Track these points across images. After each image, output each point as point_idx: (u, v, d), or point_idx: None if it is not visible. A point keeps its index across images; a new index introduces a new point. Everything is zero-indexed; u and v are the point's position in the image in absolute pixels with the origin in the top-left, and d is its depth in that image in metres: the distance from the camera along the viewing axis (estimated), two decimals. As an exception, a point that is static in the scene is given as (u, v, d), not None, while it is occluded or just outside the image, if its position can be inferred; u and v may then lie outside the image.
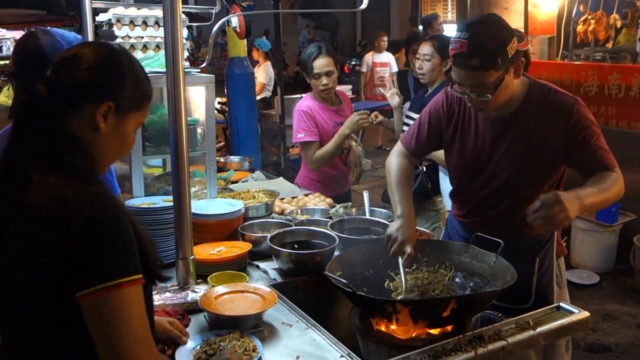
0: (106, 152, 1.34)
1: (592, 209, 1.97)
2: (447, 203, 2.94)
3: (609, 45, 6.11)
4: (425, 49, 3.35)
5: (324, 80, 3.27)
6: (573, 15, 5.96)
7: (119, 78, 1.32)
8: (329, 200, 3.12)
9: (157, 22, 2.82)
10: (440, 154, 2.52)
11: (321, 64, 3.26)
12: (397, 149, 2.37)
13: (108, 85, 1.30)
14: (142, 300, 1.19)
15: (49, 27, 2.07)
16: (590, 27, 5.69)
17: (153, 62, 2.64)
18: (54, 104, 1.26)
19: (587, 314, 1.88)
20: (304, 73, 3.39)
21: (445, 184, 2.98)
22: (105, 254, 1.15)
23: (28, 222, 1.19)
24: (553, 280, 2.22)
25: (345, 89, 8.17)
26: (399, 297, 1.97)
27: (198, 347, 1.67)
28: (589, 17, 5.74)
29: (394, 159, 2.33)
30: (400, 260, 2.03)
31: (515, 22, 5.21)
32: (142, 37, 2.77)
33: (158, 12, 2.80)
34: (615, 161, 2.06)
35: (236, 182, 3.60)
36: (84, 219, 1.14)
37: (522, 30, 5.15)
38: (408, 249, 2.02)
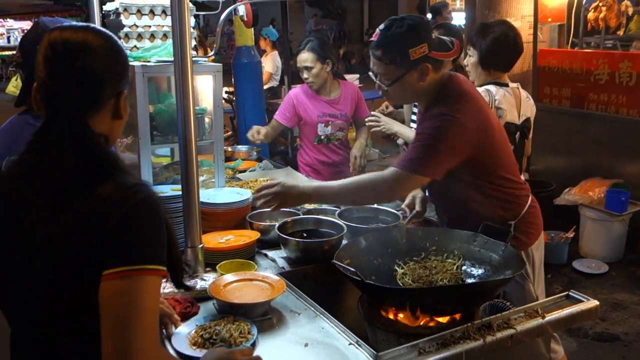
0: (117, 135, 1.36)
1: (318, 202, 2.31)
2: None
3: (620, 32, 6.04)
4: None
5: (304, 74, 3.47)
6: (584, 2, 5.90)
7: (126, 63, 1.32)
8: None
9: (164, 11, 2.82)
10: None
11: (302, 58, 3.44)
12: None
13: (123, 73, 1.30)
14: (158, 293, 1.20)
15: (55, 17, 2.08)
16: (601, 15, 5.63)
17: (161, 51, 2.63)
18: (78, 102, 1.21)
19: (596, 302, 1.87)
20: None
21: None
22: (136, 240, 1.17)
23: (71, 218, 1.18)
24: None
25: (353, 78, 8.14)
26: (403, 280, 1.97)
27: (193, 331, 1.69)
28: (600, 4, 5.68)
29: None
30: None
31: (525, 9, 5.14)
32: (150, 26, 2.76)
33: (165, 0, 2.79)
34: (418, 167, 2.03)
35: (244, 171, 3.60)
36: (128, 205, 1.17)
37: (532, 19, 5.10)
38: (417, 206, 2.45)
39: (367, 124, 3.18)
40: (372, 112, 3.24)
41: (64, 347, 1.27)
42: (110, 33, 1.34)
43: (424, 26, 2.09)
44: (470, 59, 2.90)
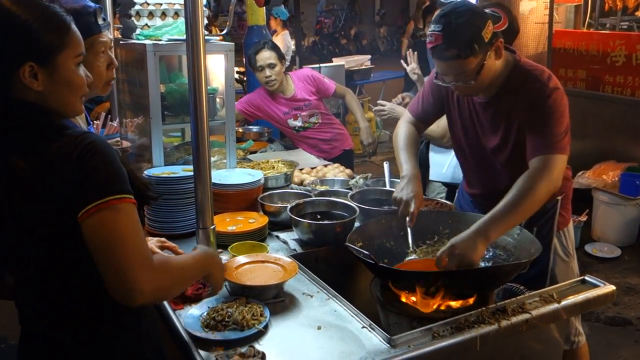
0: (60, 102, 1.34)
1: (503, 233, 1.94)
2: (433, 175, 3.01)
3: (638, 13, 5.91)
4: None
5: (267, 72, 3.57)
6: (601, -18, 5.78)
7: (25, 35, 1.27)
8: (348, 171, 3.10)
9: (175, -11, 2.77)
10: (432, 130, 2.83)
11: (265, 56, 3.57)
12: (404, 116, 2.47)
13: (13, 49, 1.27)
14: (135, 218, 1.27)
15: None
16: (619, -6, 5.51)
17: (172, 30, 2.60)
18: None
19: (612, 287, 1.84)
20: (250, 68, 3.72)
21: (435, 158, 3.00)
22: (96, 176, 1.24)
23: (35, 175, 1.26)
24: (551, 250, 2.28)
25: (365, 59, 8.07)
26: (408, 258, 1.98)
27: (205, 313, 1.68)
28: (618, -16, 5.56)
29: (401, 126, 2.43)
30: (407, 220, 2.05)
31: (540, -11, 5.04)
32: (161, 4, 2.73)
33: (176, -22, 2.75)
34: (557, 147, 1.96)
35: (255, 152, 3.59)
36: (79, 151, 1.24)
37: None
38: (411, 208, 2.05)
39: (374, 114, 3.30)
40: (378, 102, 3.29)
41: (63, 294, 1.35)
42: (34, 2, 1.31)
43: (473, 4, 2.02)
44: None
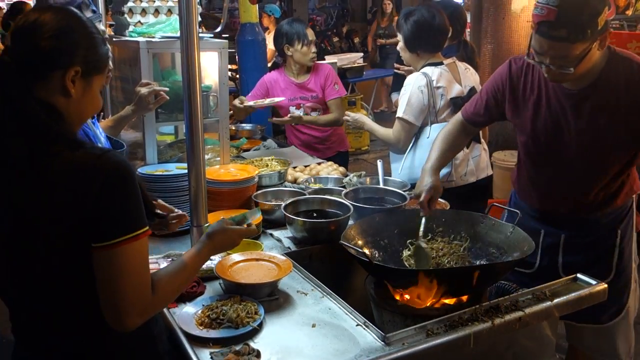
0: (79, 115, 1.38)
1: None
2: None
3: (629, 12, 5.96)
4: None
5: (313, 47, 3.56)
6: (592, -19, 5.81)
7: (82, 43, 1.34)
8: (342, 169, 3.11)
9: (168, -14, 2.77)
10: (386, 137, 2.92)
11: (311, 33, 3.56)
12: (456, 117, 2.35)
13: (73, 51, 1.32)
14: (145, 254, 1.30)
15: None
16: (610, -6, 5.55)
17: (165, 27, 2.60)
18: (24, 75, 1.27)
19: (604, 285, 1.86)
20: (290, 43, 3.51)
21: (393, 166, 3.04)
22: (121, 210, 1.26)
23: (47, 191, 1.24)
24: (633, 252, 2.19)
25: (357, 57, 8.07)
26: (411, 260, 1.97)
27: (199, 311, 1.69)
28: (609, -17, 5.59)
29: (449, 123, 2.35)
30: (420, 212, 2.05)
31: (533, -12, 5.07)
32: (154, 1, 2.72)
33: (170, -25, 2.74)
34: None
35: (248, 150, 3.58)
36: (102, 179, 1.23)
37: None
38: (421, 198, 2.06)
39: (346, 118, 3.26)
40: (346, 112, 3.31)
41: (61, 314, 1.34)
42: (75, 13, 1.38)
43: None
44: (399, 44, 2.96)
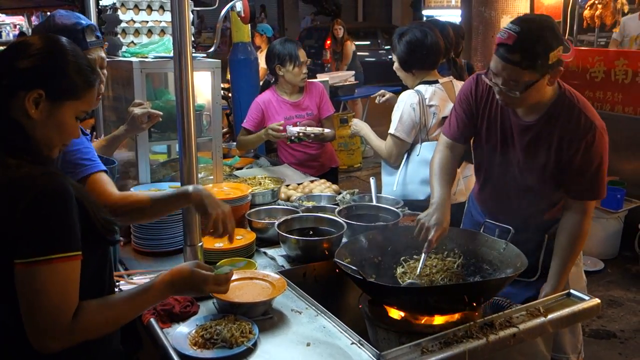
0: (45, 138, 1.39)
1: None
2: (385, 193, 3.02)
3: (616, 30, 6.05)
4: None
5: (304, 69, 3.55)
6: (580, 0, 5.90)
7: (51, 67, 1.36)
8: (335, 187, 3.12)
9: (161, 7, 2.79)
10: (379, 149, 2.96)
11: (303, 54, 3.55)
12: (441, 140, 2.40)
13: (39, 74, 1.35)
14: (71, 276, 1.29)
15: (71, 11, 2.07)
16: (597, 12, 5.62)
17: (158, 47, 2.61)
18: (1, 91, 1.33)
19: (597, 300, 1.87)
20: (282, 63, 3.53)
21: (385, 179, 3.05)
22: (44, 230, 1.26)
23: None
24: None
25: (349, 75, 8.13)
26: (407, 280, 1.97)
27: (193, 331, 1.68)
28: (596, 1, 5.67)
29: (437, 151, 2.36)
30: (425, 246, 2.03)
31: (521, 6, 5.15)
32: (147, 22, 2.74)
33: (163, -4, 2.76)
34: (602, 192, 2.11)
35: (241, 168, 3.59)
36: (31, 196, 1.25)
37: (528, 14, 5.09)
38: (431, 235, 2.00)
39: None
40: (354, 120, 3.31)
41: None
42: (58, 41, 1.42)
43: (556, 25, 1.98)
44: (394, 64, 3.00)
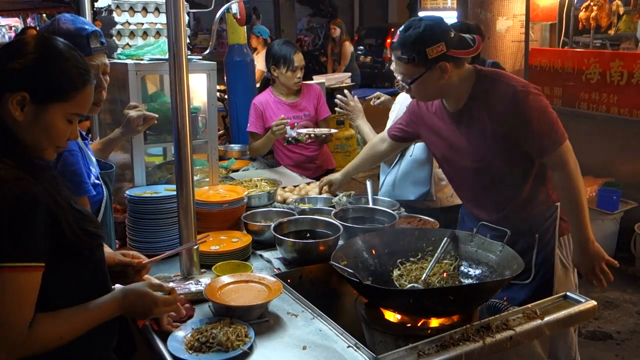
0: (32, 141, 1.36)
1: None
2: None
3: (612, 32, 6.06)
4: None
5: (299, 73, 3.56)
6: (575, 1, 5.91)
7: (36, 69, 1.33)
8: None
9: (157, 9, 2.79)
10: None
11: (299, 58, 3.56)
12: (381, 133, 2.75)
13: (24, 76, 1.32)
14: (26, 287, 1.25)
15: (76, 16, 2.07)
16: (593, 14, 5.64)
17: (154, 49, 2.60)
18: None
19: (593, 302, 1.87)
20: (277, 65, 3.56)
21: (382, 176, 3.11)
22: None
23: None
24: (554, 258, 2.30)
25: (345, 77, 8.12)
26: (407, 285, 1.96)
27: (189, 335, 1.67)
28: (591, 3, 5.69)
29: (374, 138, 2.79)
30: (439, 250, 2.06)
31: (517, 8, 5.15)
32: (142, 24, 2.73)
33: (158, -2, 2.76)
34: (561, 132, 2.14)
35: (237, 170, 3.58)
36: None
37: (523, 18, 5.10)
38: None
39: (335, 100, 3.26)
40: (348, 97, 3.22)
41: None
42: (52, 42, 1.39)
43: (441, 26, 2.13)
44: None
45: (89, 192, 1.93)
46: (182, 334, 1.68)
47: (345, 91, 3.28)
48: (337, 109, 3.23)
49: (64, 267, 1.33)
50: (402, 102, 2.86)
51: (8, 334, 1.23)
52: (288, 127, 3.57)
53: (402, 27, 2.15)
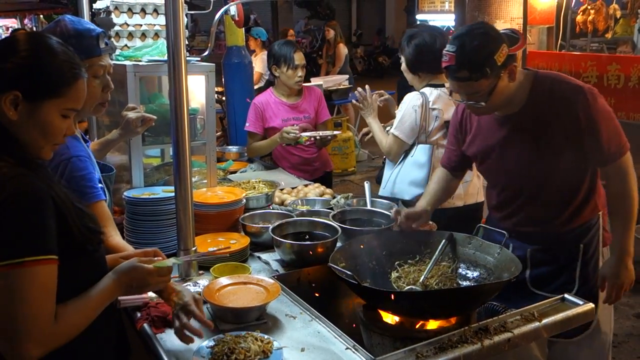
0: (29, 139, 1.36)
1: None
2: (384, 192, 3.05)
3: (609, 35, 6.09)
4: None
5: (300, 72, 3.53)
6: (572, 5, 5.94)
7: (26, 67, 1.32)
8: (329, 190, 3.11)
9: (155, 10, 2.79)
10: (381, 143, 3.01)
11: (300, 57, 3.55)
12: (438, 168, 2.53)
13: (15, 75, 1.31)
14: (48, 280, 1.26)
15: (78, 18, 2.06)
16: (590, 17, 5.67)
17: (152, 51, 2.60)
18: None
19: (591, 305, 1.87)
20: (277, 64, 3.55)
21: (385, 174, 3.08)
22: (15, 233, 1.23)
23: None
24: (598, 268, 2.21)
25: (342, 79, 8.13)
26: (405, 287, 1.96)
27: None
28: (589, 7, 5.72)
29: (437, 171, 2.51)
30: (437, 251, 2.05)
31: (514, 11, 5.15)
32: (141, 25, 2.74)
33: (157, -1, 2.76)
34: (625, 141, 2.08)
35: (234, 172, 3.58)
36: (3, 198, 1.22)
37: (521, 21, 5.11)
38: (401, 214, 2.23)
39: (355, 92, 3.25)
40: (367, 92, 3.22)
41: None
42: (43, 40, 1.38)
43: (491, 27, 2.04)
44: (402, 65, 3.01)
45: (99, 197, 1.92)
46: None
47: (367, 86, 3.30)
48: (353, 101, 3.24)
49: (68, 263, 1.33)
50: (409, 102, 2.87)
51: (39, 327, 1.24)
52: (288, 128, 3.55)
53: (452, 47, 1.95)
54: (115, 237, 1.91)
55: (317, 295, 2.10)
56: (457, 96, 2.23)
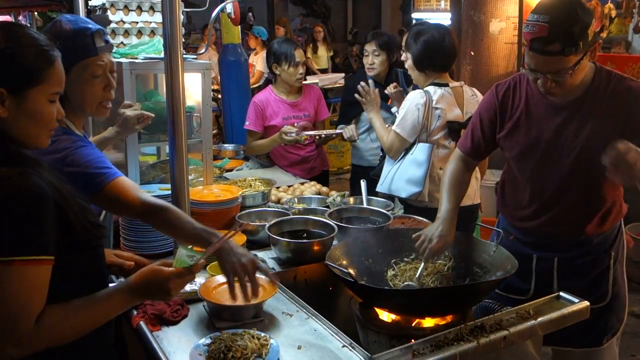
0: (24, 131, 1.35)
1: None
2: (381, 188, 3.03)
3: (604, 34, 6.11)
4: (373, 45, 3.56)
5: (300, 69, 3.55)
6: (568, 4, 5.96)
7: (4, 62, 1.30)
8: (325, 189, 3.11)
9: (151, 7, 2.78)
10: (382, 140, 2.97)
11: (300, 54, 3.57)
12: (455, 153, 2.31)
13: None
14: (37, 281, 1.25)
15: (77, 16, 2.02)
16: (585, 17, 5.69)
17: (148, 48, 2.60)
18: None
19: (586, 303, 1.88)
20: (278, 62, 3.55)
21: (385, 170, 3.05)
22: (8, 232, 1.22)
23: None
24: (624, 272, 2.17)
25: (338, 77, 8.13)
26: (401, 285, 1.97)
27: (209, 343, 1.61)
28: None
29: (450, 163, 2.28)
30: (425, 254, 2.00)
31: (510, 10, 5.17)
32: (137, 23, 2.73)
33: (153, -4, 2.75)
34: None
35: (231, 170, 3.58)
36: (1, 197, 1.22)
37: (517, 20, 5.13)
38: (432, 243, 1.98)
39: (358, 87, 3.24)
40: (371, 86, 3.20)
41: None
42: (10, 30, 1.35)
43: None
44: (407, 62, 2.98)
45: (117, 174, 1.78)
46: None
47: (370, 80, 3.29)
48: (356, 95, 3.24)
49: (67, 259, 1.32)
50: (412, 100, 2.84)
51: (17, 328, 1.23)
52: (287, 127, 3.56)
53: (539, 16, 1.77)
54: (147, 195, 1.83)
55: (313, 293, 2.11)
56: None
